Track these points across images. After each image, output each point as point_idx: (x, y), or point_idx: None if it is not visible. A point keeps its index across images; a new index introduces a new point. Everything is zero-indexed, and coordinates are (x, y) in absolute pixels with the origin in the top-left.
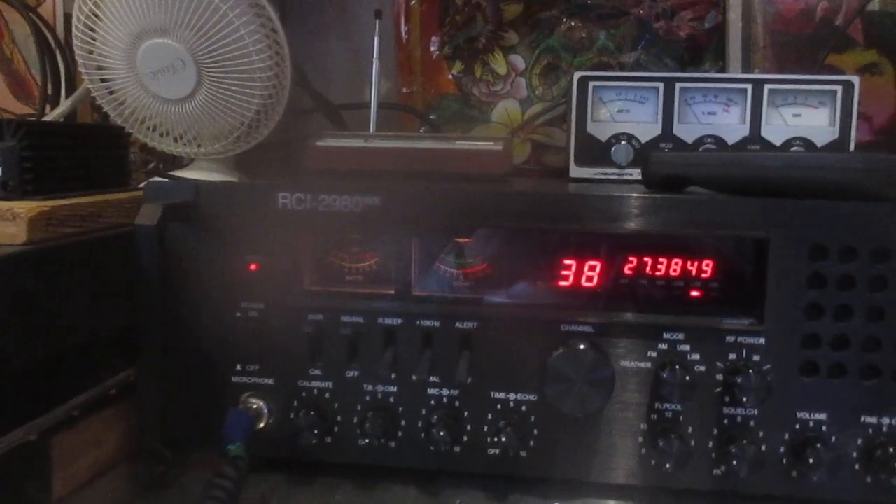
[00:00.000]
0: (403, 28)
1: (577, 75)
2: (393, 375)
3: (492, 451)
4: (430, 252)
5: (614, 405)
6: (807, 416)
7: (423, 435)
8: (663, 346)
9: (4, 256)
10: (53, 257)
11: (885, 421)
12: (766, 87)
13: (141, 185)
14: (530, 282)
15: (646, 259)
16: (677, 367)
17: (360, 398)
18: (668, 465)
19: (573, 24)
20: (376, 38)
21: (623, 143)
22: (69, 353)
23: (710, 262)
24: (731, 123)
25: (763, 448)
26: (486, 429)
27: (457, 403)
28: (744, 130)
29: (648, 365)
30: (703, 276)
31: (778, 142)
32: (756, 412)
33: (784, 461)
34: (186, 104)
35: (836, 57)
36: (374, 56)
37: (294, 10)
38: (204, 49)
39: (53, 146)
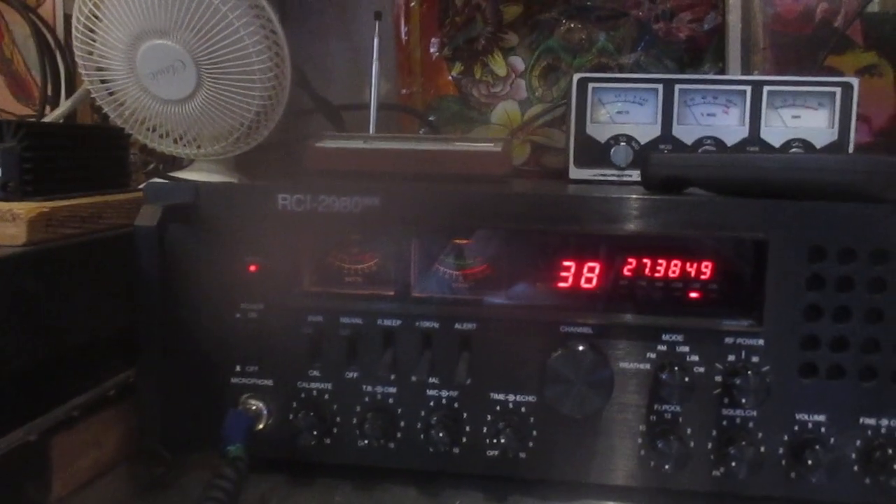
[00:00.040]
0: (403, 29)
1: (576, 77)
2: (392, 376)
3: (491, 453)
4: (430, 253)
5: (613, 406)
6: (806, 417)
7: (422, 436)
8: (662, 348)
9: (4, 257)
10: (53, 258)
11: (884, 422)
12: (766, 88)
13: (141, 187)
14: (529, 283)
15: (645, 260)
16: (676, 368)
17: (360, 399)
18: (667, 467)
19: (573, 25)
20: (376, 39)
21: (622, 144)
22: (69, 353)
23: (710, 264)
24: (730, 125)
25: (762, 449)
26: (485, 430)
27: (456, 405)
28: (743, 132)
29: (647, 366)
30: (703, 277)
31: (777, 143)
32: (755, 413)
33: (783, 462)
34: (186, 105)
35: (835, 58)
36: (374, 57)
37: (294, 11)
38: (204, 50)
39: (53, 147)
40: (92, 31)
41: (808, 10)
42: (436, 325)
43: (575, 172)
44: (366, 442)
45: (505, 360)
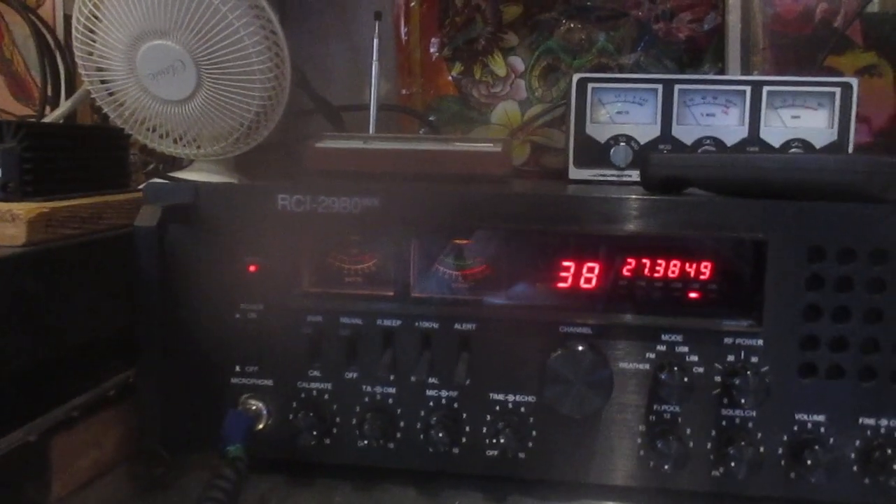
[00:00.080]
0: (403, 29)
1: (576, 77)
2: (392, 377)
3: (490, 453)
4: (429, 253)
5: (613, 406)
6: (805, 417)
7: (421, 436)
8: (662, 348)
9: (4, 258)
10: (53, 259)
11: (883, 422)
12: (765, 88)
13: (140, 187)
14: (529, 283)
15: (644, 261)
16: (676, 368)
17: (359, 399)
18: (666, 467)
19: (572, 25)
20: (376, 40)
21: (622, 144)
22: (69, 354)
23: (709, 264)
24: (729, 125)
25: (761, 449)
26: (484, 430)
27: (455, 405)
28: (742, 132)
29: (647, 366)
30: (702, 277)
31: (777, 143)
32: (754, 413)
33: (782, 462)
34: (186, 105)
35: (834, 58)
36: (374, 57)
37: (294, 11)
38: (203, 50)
39: (53, 147)
40: (92, 31)
41: (808, 11)
42: (435, 325)
43: (574, 173)
44: (365, 442)
45: (504, 360)
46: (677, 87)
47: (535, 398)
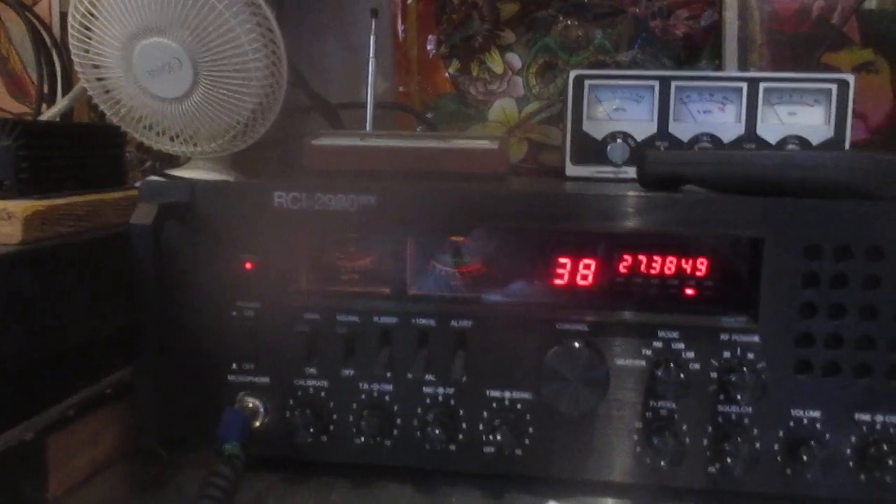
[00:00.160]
0: (400, 27)
1: (572, 74)
2: (388, 374)
3: (487, 450)
4: (426, 251)
5: (609, 403)
6: (801, 413)
7: (418, 433)
8: (658, 345)
9: None
10: (49, 257)
11: (879, 419)
12: (762, 85)
13: (137, 185)
14: (525, 280)
15: (641, 258)
16: (672, 365)
17: (356, 397)
18: (663, 463)
19: (570, 22)
20: (372, 37)
21: (619, 141)
22: (65, 352)
23: (705, 261)
24: (726, 122)
25: (757, 446)
26: (481, 427)
27: (452, 402)
28: (739, 129)
29: (643, 363)
30: (698, 274)
31: (773, 140)
32: (750, 410)
33: (778, 459)
34: (183, 103)
35: (831, 55)
36: (371, 55)
37: (291, 9)
38: (200, 48)
39: (49, 145)
40: (88, 28)
41: (805, 8)
42: (432, 322)
43: (571, 170)
44: (362, 439)
45: (501, 357)
46: (674, 83)
47: (531, 395)
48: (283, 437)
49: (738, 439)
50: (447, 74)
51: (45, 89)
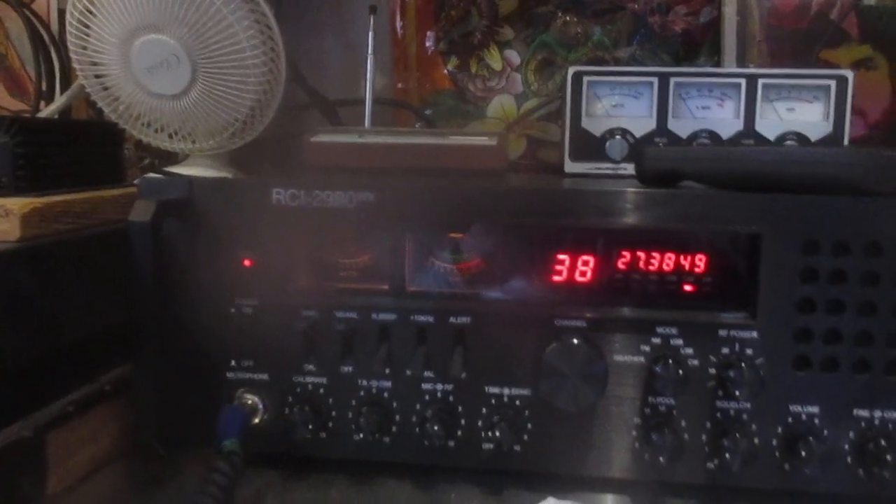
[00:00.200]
0: (398, 23)
1: (571, 70)
2: (387, 371)
3: (486, 446)
4: (424, 248)
5: (608, 399)
6: (799, 409)
7: (417, 430)
8: (656, 341)
9: None
10: (47, 254)
11: (877, 414)
12: (760, 81)
13: (135, 182)
14: (524, 277)
15: (639, 254)
16: (670, 361)
17: (355, 394)
18: (661, 459)
19: (568, 19)
20: (371, 34)
21: (617, 137)
22: (64, 349)
23: (704, 257)
24: (725, 118)
25: (756, 441)
26: (480, 423)
27: (451, 398)
28: (738, 125)
29: (642, 359)
30: (697, 270)
31: (772, 136)
32: (749, 406)
33: (777, 454)
34: (181, 100)
35: (830, 52)
36: (369, 52)
37: (289, 5)
38: (198, 45)
39: (47, 143)
40: (86, 26)
41: (804, 4)
42: (431, 319)
43: (570, 166)
44: (361, 436)
45: (500, 353)
46: (673, 80)
47: (530, 391)
48: (282, 433)
49: (737, 435)
50: (446, 71)
51: (44, 86)
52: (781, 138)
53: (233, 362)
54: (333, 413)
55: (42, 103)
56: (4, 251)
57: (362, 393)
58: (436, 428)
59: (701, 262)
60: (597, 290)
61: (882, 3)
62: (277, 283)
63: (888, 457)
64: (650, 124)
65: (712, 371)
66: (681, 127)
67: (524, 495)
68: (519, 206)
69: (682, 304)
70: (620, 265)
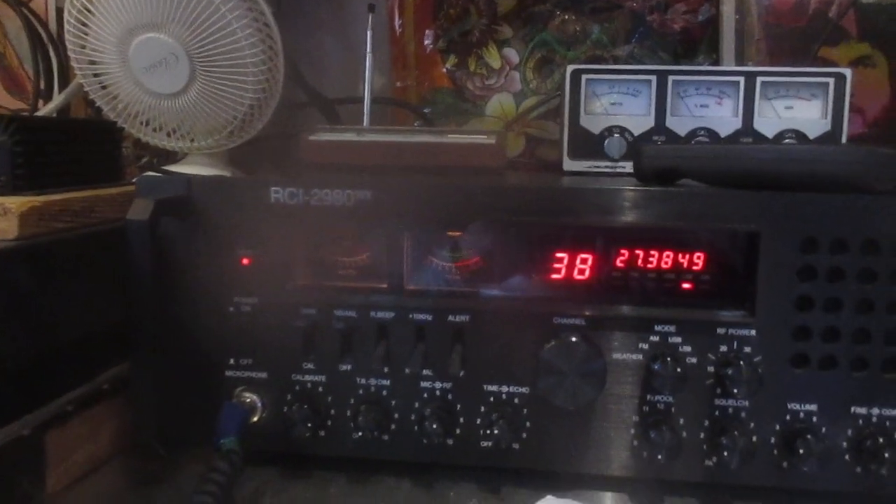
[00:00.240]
0: (397, 22)
1: (569, 68)
2: (386, 369)
3: (485, 444)
4: (423, 246)
5: (606, 397)
6: (797, 407)
7: (416, 428)
8: (655, 339)
9: None
10: (45, 252)
11: (875, 412)
12: (759, 79)
13: (134, 180)
14: (523, 275)
15: (637, 252)
16: (669, 359)
17: (354, 392)
18: (659, 457)
19: (567, 17)
20: (369, 32)
21: (616, 136)
22: (62, 348)
23: (702, 255)
24: (723, 116)
25: (754, 439)
26: (478, 421)
27: (449, 396)
28: (736, 123)
29: (640, 357)
30: (695, 268)
31: (770, 134)
32: (747, 403)
33: (775, 452)
34: (179, 99)
35: (829, 49)
36: (368, 50)
37: (288, 4)
38: (196, 44)
39: (46, 141)
40: (84, 24)
41: (803, 2)
42: (429, 317)
43: (569, 164)
44: (360, 434)
45: (498, 351)
46: (671, 78)
47: (528, 389)
48: (280, 431)
49: (735, 433)
50: (444, 69)
51: (42, 85)
52: (780, 136)
53: (231, 361)
54: (332, 411)
55: (40, 102)
56: (3, 250)
57: (361, 391)
58: (434, 426)
59: (699, 260)
60: (595, 288)
61: (880, 1)
62: (276, 282)
63: (886, 454)
64: (648, 122)
65: (710, 369)
66: (679, 125)
67: (522, 493)
68: (517, 204)
69: (681, 301)
70: (619, 263)
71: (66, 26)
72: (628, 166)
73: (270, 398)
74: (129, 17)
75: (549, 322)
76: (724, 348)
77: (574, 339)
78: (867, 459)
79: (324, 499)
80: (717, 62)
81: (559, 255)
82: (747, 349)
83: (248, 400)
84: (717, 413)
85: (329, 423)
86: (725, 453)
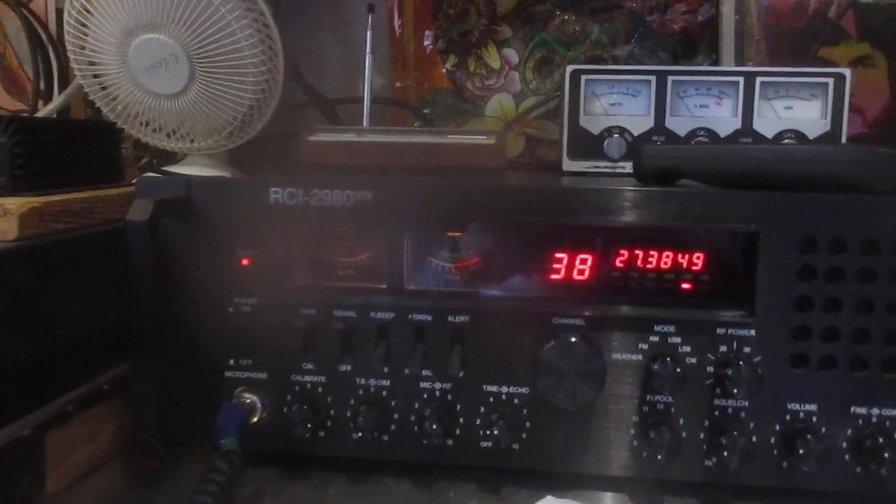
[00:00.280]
0: (397, 22)
1: (569, 69)
2: (385, 369)
3: (484, 444)
4: (423, 246)
5: (606, 397)
6: (797, 407)
7: (415, 428)
8: (654, 339)
9: None
10: (45, 253)
11: (875, 412)
12: (758, 79)
13: (134, 181)
14: (522, 275)
15: (637, 252)
16: (668, 359)
17: (353, 392)
18: (659, 457)
19: (566, 17)
20: (369, 33)
21: (615, 136)
22: (62, 348)
23: (701, 255)
24: (723, 116)
25: (754, 439)
26: (478, 422)
27: (449, 397)
28: (736, 123)
29: (640, 357)
30: (694, 268)
31: (770, 134)
32: (747, 404)
33: (774, 452)
34: (179, 99)
35: (828, 49)
36: (367, 50)
37: (287, 4)
38: (196, 44)
39: (45, 142)
40: (84, 25)
41: (802, 2)
42: (429, 317)
43: (568, 164)
44: (360, 434)
45: (498, 352)
46: (670, 78)
47: (528, 390)
48: (280, 432)
49: (735, 433)
50: (444, 70)
51: (42, 86)
52: (779, 136)
53: (231, 361)
54: (332, 412)
55: (40, 103)
56: (3, 251)
57: (361, 391)
58: (434, 426)
59: (699, 260)
60: (595, 289)
61: (879, 1)
62: (276, 282)
63: (885, 454)
64: (648, 122)
65: (710, 369)
66: (679, 125)
67: (522, 493)
68: (517, 204)
69: (680, 302)
70: (618, 263)
71: (65, 27)
72: (628, 166)
73: (270, 398)
74: (129, 18)
75: (549, 322)
76: (723, 348)
77: (574, 339)
78: (867, 459)
79: (323, 499)
80: (716, 62)
81: (559, 255)
82: (747, 349)
83: (248, 400)
84: (716, 413)
85: (329, 423)
86: (725, 453)
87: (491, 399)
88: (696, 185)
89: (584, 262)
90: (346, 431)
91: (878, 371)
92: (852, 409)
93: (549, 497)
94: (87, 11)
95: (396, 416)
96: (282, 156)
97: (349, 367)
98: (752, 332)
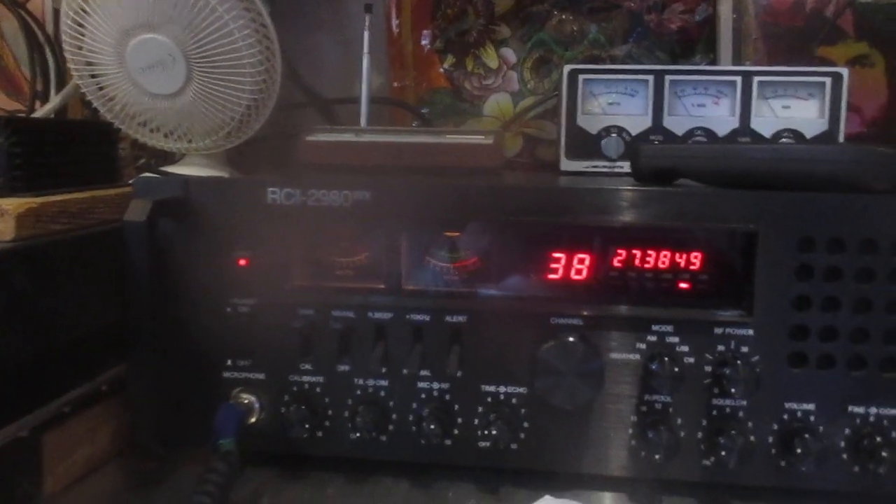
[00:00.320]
0: (394, 22)
1: (567, 68)
2: (384, 369)
3: (482, 444)
4: (421, 246)
5: (604, 397)
6: (795, 406)
7: (414, 428)
8: (652, 338)
9: None
10: (43, 254)
11: (872, 411)
12: (756, 79)
13: (131, 181)
14: (520, 275)
15: (635, 252)
16: (666, 358)
17: (351, 392)
18: (657, 457)
19: (564, 17)
20: (366, 33)
21: (613, 135)
22: (60, 349)
23: (699, 255)
24: (720, 116)
25: (752, 439)
26: (476, 422)
27: (447, 397)
28: (733, 123)
29: (638, 357)
30: (692, 268)
31: (767, 134)
32: (745, 403)
33: (772, 451)
34: (177, 99)
35: (826, 49)
36: (365, 50)
37: (285, 4)
38: (193, 44)
39: (43, 143)
40: (81, 25)
41: (800, 1)
42: (427, 317)
43: (566, 164)
44: (358, 435)
45: (496, 351)
46: (668, 77)
47: (526, 389)
48: (278, 432)
49: (733, 432)
50: (442, 69)
51: (39, 86)
52: (777, 136)
53: (229, 361)
54: (330, 412)
55: (37, 103)
56: (0, 251)
57: (359, 392)
58: (432, 426)
59: (697, 259)
60: (593, 288)
61: (878, 0)
62: (273, 283)
63: (883, 453)
64: (646, 122)
65: (708, 368)
66: (676, 125)
67: (521, 493)
68: (515, 204)
69: (678, 301)
70: (616, 263)
71: (62, 27)
72: (626, 166)
73: (268, 399)
74: (126, 18)
75: (547, 322)
76: (721, 348)
77: (572, 339)
78: (865, 459)
79: (322, 499)
80: (714, 62)
81: (557, 255)
82: (745, 349)
83: (246, 401)
84: (714, 413)
85: (327, 423)
86: (723, 453)
87: (489, 399)
88: (694, 184)
89: (582, 261)
90: (344, 431)
91: (877, 370)
92: (850, 408)
93: (547, 497)
94: (84, 12)
95: (395, 416)
96: (280, 156)
97: (347, 368)
98: (751, 332)
